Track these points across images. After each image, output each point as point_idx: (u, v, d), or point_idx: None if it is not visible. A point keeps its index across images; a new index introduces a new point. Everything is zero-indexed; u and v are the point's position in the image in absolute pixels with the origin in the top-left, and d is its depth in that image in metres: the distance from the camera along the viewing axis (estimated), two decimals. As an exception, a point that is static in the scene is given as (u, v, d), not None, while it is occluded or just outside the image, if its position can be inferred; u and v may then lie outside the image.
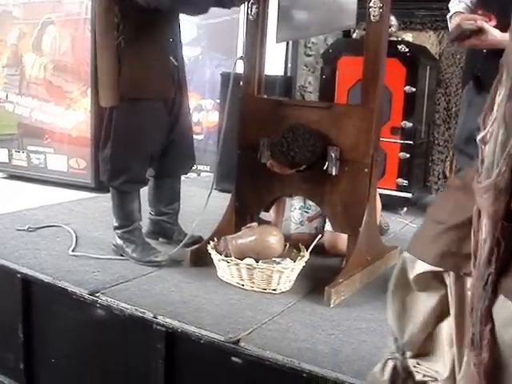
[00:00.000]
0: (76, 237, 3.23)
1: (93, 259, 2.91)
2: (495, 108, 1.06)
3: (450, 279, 1.24)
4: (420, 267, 1.29)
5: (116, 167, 2.96)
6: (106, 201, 4.11)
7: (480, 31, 2.55)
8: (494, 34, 2.59)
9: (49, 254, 2.96)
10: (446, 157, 5.46)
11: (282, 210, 3.32)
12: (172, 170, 3.22)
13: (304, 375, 2.00)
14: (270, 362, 2.07)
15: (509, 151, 1.01)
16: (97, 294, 2.50)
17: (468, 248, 1.14)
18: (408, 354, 1.42)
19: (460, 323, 1.24)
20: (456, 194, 1.28)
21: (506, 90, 1.04)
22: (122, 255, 2.99)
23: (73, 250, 3.02)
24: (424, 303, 1.34)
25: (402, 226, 3.99)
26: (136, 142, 2.94)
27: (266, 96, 3.09)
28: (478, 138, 1.09)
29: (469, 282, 1.19)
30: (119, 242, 3.02)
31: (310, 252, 2.78)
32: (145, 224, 3.24)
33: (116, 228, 3.04)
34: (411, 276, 1.33)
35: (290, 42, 5.60)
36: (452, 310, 1.26)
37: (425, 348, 1.40)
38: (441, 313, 1.32)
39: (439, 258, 1.23)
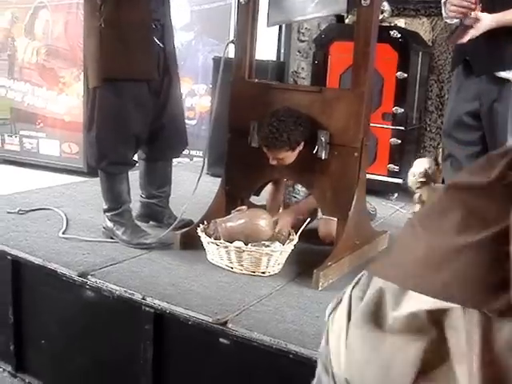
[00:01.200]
0: (66, 219, 3.23)
1: (83, 242, 2.92)
2: None
3: (464, 318, 0.87)
4: (412, 303, 0.92)
5: (101, 149, 2.97)
6: (97, 185, 4.09)
7: (476, 21, 2.58)
8: (487, 19, 2.61)
9: (39, 236, 2.97)
10: (438, 144, 5.45)
11: (280, 195, 3.32)
12: (163, 153, 3.23)
13: (291, 356, 2.02)
14: (258, 343, 2.08)
15: None
16: (86, 276, 2.51)
17: (502, 273, 0.81)
18: None
19: (484, 378, 0.86)
20: (475, 196, 0.91)
21: None
22: (111, 238, 3.00)
23: (63, 233, 3.03)
24: (405, 350, 0.96)
25: (392, 211, 4.01)
26: (119, 123, 2.94)
27: (256, 80, 3.09)
28: None
29: (498, 324, 0.84)
30: (109, 224, 3.03)
31: (302, 238, 2.79)
32: (136, 207, 3.26)
33: (105, 211, 3.05)
34: (394, 314, 0.96)
35: (283, 28, 5.58)
36: (462, 364, 0.89)
37: None
38: (426, 366, 0.94)
39: (451, 288, 0.86)
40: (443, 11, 2.83)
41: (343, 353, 1.01)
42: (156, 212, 3.32)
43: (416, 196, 3.29)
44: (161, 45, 3.01)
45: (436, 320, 0.89)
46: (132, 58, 2.88)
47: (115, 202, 3.03)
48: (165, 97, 3.10)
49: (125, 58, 2.87)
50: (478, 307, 0.84)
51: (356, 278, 1.04)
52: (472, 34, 2.61)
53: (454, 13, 2.68)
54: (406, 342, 0.94)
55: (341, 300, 1.06)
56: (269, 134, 2.72)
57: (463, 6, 2.62)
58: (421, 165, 3.34)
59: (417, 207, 2.07)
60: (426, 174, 3.25)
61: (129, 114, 2.94)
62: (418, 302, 0.89)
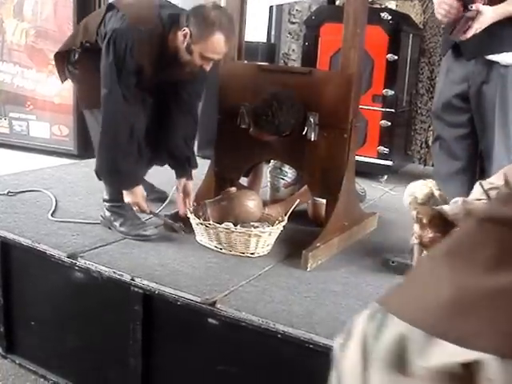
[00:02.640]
0: (56, 201, 3.23)
1: (72, 223, 2.92)
2: None
3: (499, 370, 0.75)
4: (440, 354, 0.80)
5: None
6: (87, 166, 4.11)
7: (478, 13, 2.57)
8: (489, 12, 2.60)
9: (28, 217, 2.96)
10: (429, 126, 5.46)
11: (260, 176, 3.32)
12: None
13: (279, 336, 2.03)
14: (246, 323, 2.09)
15: None
16: (76, 257, 2.51)
17: None
18: None
19: None
20: (504, 231, 0.79)
21: None
22: (109, 228, 2.92)
23: (52, 214, 3.02)
24: None
25: (382, 193, 4.03)
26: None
27: (246, 61, 3.08)
28: None
29: None
30: (107, 214, 2.94)
31: (293, 219, 2.80)
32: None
33: (105, 200, 2.97)
34: (421, 363, 0.82)
35: (274, 9, 5.56)
36: None
37: None
38: None
39: (486, 337, 0.74)
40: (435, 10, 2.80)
41: None
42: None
43: (414, 214, 3.26)
44: None
45: (470, 372, 0.78)
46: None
47: (117, 193, 2.89)
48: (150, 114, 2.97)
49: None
50: None
51: (367, 311, 0.94)
52: (476, 28, 2.59)
53: (442, 14, 2.67)
54: None
55: (350, 333, 0.98)
56: (262, 115, 2.71)
57: (450, 11, 2.61)
58: (424, 187, 3.28)
59: (416, 227, 2.07)
60: (430, 197, 3.18)
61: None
62: (449, 353, 0.78)
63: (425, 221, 2.15)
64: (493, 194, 1.68)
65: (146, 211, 2.84)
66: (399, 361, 0.84)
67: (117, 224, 2.89)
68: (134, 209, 2.83)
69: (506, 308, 0.72)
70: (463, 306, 0.76)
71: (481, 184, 1.94)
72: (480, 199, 1.88)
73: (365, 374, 0.90)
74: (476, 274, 0.76)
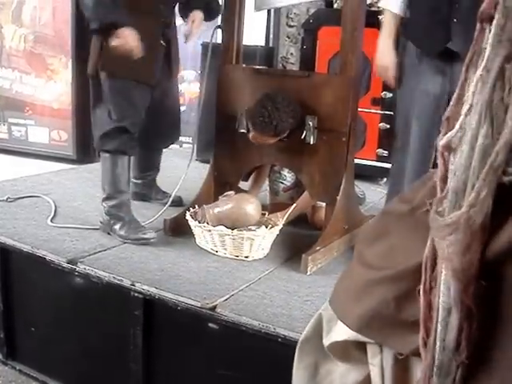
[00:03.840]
0: (55, 207, 3.22)
1: (71, 229, 2.92)
2: (469, 96, 0.69)
3: (381, 355, 0.85)
4: (339, 331, 0.90)
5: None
6: (86, 171, 4.13)
7: None
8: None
9: (27, 223, 2.96)
10: (428, 128, 5.46)
11: (262, 180, 3.32)
12: (155, 143, 3.36)
13: (279, 340, 2.03)
14: (246, 327, 2.09)
15: (492, 163, 0.64)
16: (75, 263, 2.51)
17: (413, 312, 0.77)
18: None
19: None
20: (398, 225, 0.86)
21: (496, 57, 0.66)
22: (109, 233, 2.90)
23: (52, 220, 3.02)
24: (343, 377, 0.95)
25: (381, 196, 4.02)
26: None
27: (244, 65, 3.08)
28: (440, 142, 0.72)
29: (414, 364, 0.80)
30: (106, 218, 2.93)
31: (292, 222, 2.80)
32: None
33: (104, 199, 2.97)
34: (325, 341, 0.95)
35: (272, 13, 5.56)
36: None
37: None
38: None
39: (365, 322, 0.83)
40: None
41: (293, 374, 1.06)
42: (143, 190, 3.49)
43: None
44: (163, 44, 3.02)
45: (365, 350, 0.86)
46: (135, 62, 2.74)
47: (114, 187, 2.93)
48: (163, 91, 3.11)
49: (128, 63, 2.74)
50: (389, 346, 0.80)
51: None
52: None
53: None
54: (345, 370, 0.93)
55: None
56: (258, 117, 2.71)
57: None
58: None
59: None
60: None
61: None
62: (345, 331, 0.87)
63: None
64: None
65: (137, 54, 2.67)
66: (318, 338, 0.97)
67: (116, 228, 2.87)
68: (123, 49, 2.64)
69: (383, 298, 0.79)
70: (355, 293, 0.87)
71: None
72: None
73: (297, 363, 1.06)
74: (369, 266, 0.87)
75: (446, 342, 0.69)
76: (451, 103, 0.73)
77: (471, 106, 0.68)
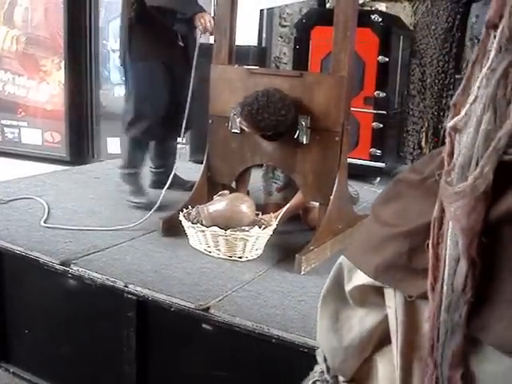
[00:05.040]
0: (48, 208, 3.21)
1: (65, 230, 2.91)
2: (474, 89, 0.81)
3: (395, 299, 0.98)
4: (358, 278, 1.03)
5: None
6: (79, 173, 4.12)
7: None
8: None
9: (20, 225, 2.95)
10: (421, 127, 5.47)
11: (246, 180, 3.30)
12: (171, 133, 3.61)
13: (273, 340, 2.03)
14: (240, 328, 2.09)
15: (496, 145, 0.77)
16: (68, 264, 2.50)
17: (422, 262, 0.91)
18: (340, 378, 1.18)
19: (407, 359, 0.98)
20: (410, 191, 1.00)
21: (502, 61, 0.78)
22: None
23: (45, 222, 3.01)
24: (361, 321, 1.09)
25: (374, 195, 4.01)
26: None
27: (237, 65, 3.08)
28: (448, 124, 0.85)
29: (422, 306, 0.93)
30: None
31: (286, 222, 2.79)
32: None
33: (119, 167, 3.59)
34: (347, 287, 1.07)
35: (265, 13, 5.56)
36: (395, 340, 1.00)
37: (360, 376, 1.14)
38: (384, 336, 1.06)
39: (381, 270, 0.97)
40: None
41: (318, 323, 1.19)
42: (161, 179, 3.64)
43: None
44: (181, 43, 3.43)
45: (378, 289, 1.00)
46: (153, 45, 3.38)
47: (130, 163, 3.54)
48: (181, 85, 3.36)
49: (148, 46, 3.39)
50: (401, 289, 0.95)
51: None
52: None
53: None
54: (364, 314, 1.07)
55: None
56: (248, 106, 2.72)
57: None
58: None
59: None
60: None
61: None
62: (363, 277, 1.01)
63: None
64: None
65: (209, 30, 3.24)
66: (337, 289, 1.10)
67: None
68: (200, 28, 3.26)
69: (398, 250, 0.94)
70: (371, 245, 1.00)
71: None
72: None
73: (321, 310, 1.17)
74: (384, 223, 1.00)
75: (455, 285, 0.83)
76: (457, 92, 0.86)
77: (476, 97, 0.80)
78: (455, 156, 0.84)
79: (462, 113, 0.83)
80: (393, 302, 0.97)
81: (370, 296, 1.03)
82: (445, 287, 0.85)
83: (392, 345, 1.01)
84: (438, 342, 0.88)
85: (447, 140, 0.86)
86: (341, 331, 1.13)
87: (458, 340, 0.85)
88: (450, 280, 0.84)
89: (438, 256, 0.87)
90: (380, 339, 1.08)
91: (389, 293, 0.98)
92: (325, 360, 1.20)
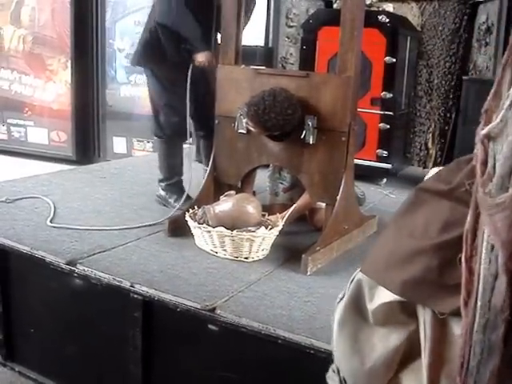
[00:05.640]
0: (54, 208, 3.21)
1: (71, 230, 2.90)
2: (510, 94, 0.76)
3: (425, 314, 0.94)
4: (383, 296, 0.99)
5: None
6: (85, 172, 4.12)
7: None
8: None
9: (27, 224, 2.95)
10: (428, 128, 5.46)
11: (252, 180, 3.30)
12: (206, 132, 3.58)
13: (279, 341, 2.02)
14: (246, 329, 2.08)
15: None
16: (74, 264, 2.49)
17: (454, 277, 0.86)
18: None
19: (435, 375, 0.94)
20: (437, 201, 0.95)
21: None
22: (165, 205, 3.43)
23: (51, 221, 3.01)
24: (385, 341, 1.04)
25: (381, 196, 4.02)
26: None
27: (243, 66, 3.07)
28: (481, 132, 0.80)
29: (454, 322, 0.89)
30: (162, 193, 3.51)
31: (292, 223, 2.79)
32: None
33: (160, 181, 3.54)
34: (370, 306, 1.03)
35: (271, 13, 5.55)
36: (425, 357, 0.96)
37: None
38: (409, 354, 1.02)
39: (410, 287, 0.92)
40: None
41: (334, 345, 1.14)
42: None
43: None
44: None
45: (411, 312, 0.96)
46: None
47: (169, 172, 3.52)
48: (205, 86, 3.40)
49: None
50: (431, 307, 0.91)
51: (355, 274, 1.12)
52: None
53: None
54: (387, 333, 1.01)
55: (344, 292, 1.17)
56: (254, 106, 2.72)
57: None
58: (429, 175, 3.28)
59: None
60: None
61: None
62: (387, 295, 0.96)
63: None
64: None
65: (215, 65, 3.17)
66: (357, 308, 1.06)
67: (171, 200, 3.44)
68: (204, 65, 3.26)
69: (427, 265, 0.90)
70: (396, 260, 0.96)
71: None
72: None
73: (339, 331, 1.11)
74: (409, 236, 0.95)
75: (493, 302, 0.77)
76: (489, 97, 0.81)
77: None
78: (489, 165, 0.79)
79: (498, 119, 0.77)
80: (422, 318, 0.93)
81: (396, 314, 0.98)
82: (479, 303, 0.80)
83: (420, 361, 0.96)
84: (471, 363, 0.82)
85: (479, 148, 0.80)
86: (362, 352, 1.07)
87: (495, 361, 0.78)
88: (486, 296, 0.79)
89: (471, 270, 0.82)
90: (405, 357, 1.03)
91: (419, 309, 0.94)
92: (338, 373, 1.15)
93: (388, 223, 1.06)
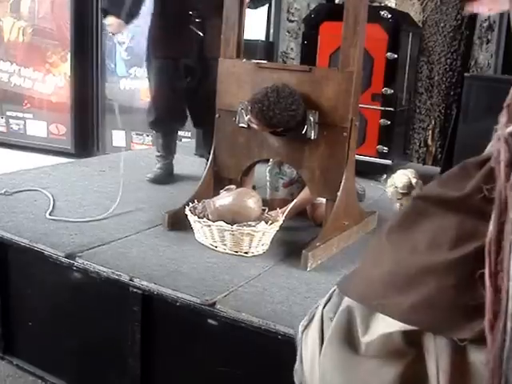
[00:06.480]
0: (53, 200, 3.20)
1: (70, 222, 2.90)
2: None
3: (436, 341, 0.80)
4: (383, 325, 0.84)
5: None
6: (84, 165, 4.11)
7: None
8: None
9: (26, 217, 2.94)
10: (428, 125, 5.46)
11: (252, 175, 3.29)
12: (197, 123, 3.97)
13: (279, 337, 2.01)
14: (246, 324, 2.07)
15: None
16: (74, 257, 2.49)
17: (474, 297, 0.75)
18: None
19: None
20: (445, 209, 0.82)
21: None
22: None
23: (50, 214, 3.00)
24: (379, 374, 0.86)
25: (381, 192, 4.00)
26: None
27: (245, 59, 3.06)
28: (507, 130, 0.72)
29: (474, 349, 0.76)
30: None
31: (292, 218, 2.78)
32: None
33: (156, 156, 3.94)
34: (365, 339, 0.88)
35: (273, 7, 5.54)
36: None
37: None
38: None
39: (421, 312, 0.78)
40: None
41: (316, 376, 0.97)
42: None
43: (397, 206, 3.24)
44: (200, 33, 3.56)
45: (413, 340, 0.82)
46: (168, 41, 3.61)
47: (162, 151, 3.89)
48: (198, 80, 3.68)
49: (163, 42, 3.66)
50: (447, 334, 0.78)
51: (327, 295, 1.02)
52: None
53: None
54: (381, 366, 0.86)
55: (313, 317, 1.06)
56: (258, 103, 2.70)
57: None
58: (403, 176, 3.30)
59: None
60: (409, 186, 3.21)
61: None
62: (389, 324, 0.82)
63: None
64: None
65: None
66: (348, 338, 0.89)
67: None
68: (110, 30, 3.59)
69: (442, 285, 0.75)
70: (401, 280, 0.80)
71: None
72: None
73: (319, 353, 0.94)
74: (414, 252, 0.80)
75: None
76: (511, 91, 0.73)
77: None
78: None
79: None
80: (432, 347, 0.79)
81: (396, 344, 0.83)
82: (509, 325, 0.70)
83: None
84: None
85: (503, 147, 0.72)
86: None
87: None
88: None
89: (497, 288, 0.71)
90: None
91: (427, 337, 0.80)
92: None
93: (376, 239, 0.91)
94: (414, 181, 3.15)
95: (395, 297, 0.81)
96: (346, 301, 0.90)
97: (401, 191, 3.20)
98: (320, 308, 1.01)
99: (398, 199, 3.21)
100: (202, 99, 3.63)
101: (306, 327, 1.05)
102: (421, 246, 0.82)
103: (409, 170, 3.13)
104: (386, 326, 0.83)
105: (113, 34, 3.63)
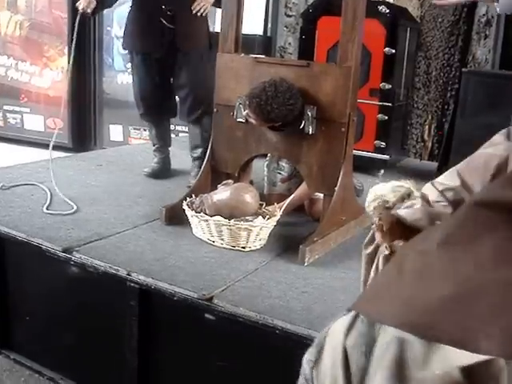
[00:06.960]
0: (51, 195, 3.19)
1: (67, 217, 2.89)
2: None
3: (505, 370, 0.68)
4: (445, 360, 0.70)
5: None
6: (81, 160, 4.10)
7: None
8: None
9: (23, 211, 2.93)
10: (425, 121, 5.46)
11: (249, 170, 3.28)
12: (182, 115, 3.83)
13: (277, 332, 2.01)
14: (243, 318, 2.08)
15: None
16: (71, 252, 2.48)
17: None
18: None
19: None
20: (503, 217, 0.69)
21: None
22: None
23: (47, 208, 2.99)
24: None
25: (378, 187, 4.00)
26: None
27: (243, 54, 3.05)
28: None
29: None
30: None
31: (290, 213, 2.78)
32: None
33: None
34: (423, 373, 0.72)
35: (270, 2, 5.53)
36: None
37: None
38: None
39: (500, 342, 0.64)
40: None
41: None
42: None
43: (376, 221, 3.20)
44: (170, 26, 3.49)
45: (473, 373, 0.69)
46: (139, 35, 3.62)
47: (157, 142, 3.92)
48: (172, 71, 3.65)
49: (135, 36, 3.66)
50: None
51: (346, 323, 0.87)
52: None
53: None
54: None
55: (321, 348, 0.93)
56: (256, 98, 2.70)
57: None
58: (397, 187, 3.26)
59: (377, 235, 1.83)
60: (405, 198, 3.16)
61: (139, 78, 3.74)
62: (452, 358, 0.69)
63: (384, 228, 1.80)
64: (449, 195, 1.39)
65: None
66: (399, 371, 0.76)
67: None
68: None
69: None
70: (468, 301, 0.66)
71: (433, 184, 1.52)
72: (439, 201, 1.46)
73: None
74: (480, 267, 0.67)
75: None
76: None
77: None
78: None
79: None
80: (504, 373, 0.67)
81: (453, 381, 0.69)
82: None
83: None
84: None
85: None
86: None
87: None
88: None
89: None
90: None
91: (497, 363, 0.67)
92: None
93: (412, 253, 0.77)
94: (417, 193, 3.10)
95: (463, 321, 0.67)
96: (390, 331, 0.76)
97: (388, 205, 3.15)
98: (337, 338, 0.86)
99: (380, 214, 3.15)
100: (176, 91, 3.72)
101: (316, 359, 0.94)
102: (489, 261, 0.69)
103: (405, 181, 3.09)
104: (449, 359, 0.70)
105: (83, 11, 3.49)
